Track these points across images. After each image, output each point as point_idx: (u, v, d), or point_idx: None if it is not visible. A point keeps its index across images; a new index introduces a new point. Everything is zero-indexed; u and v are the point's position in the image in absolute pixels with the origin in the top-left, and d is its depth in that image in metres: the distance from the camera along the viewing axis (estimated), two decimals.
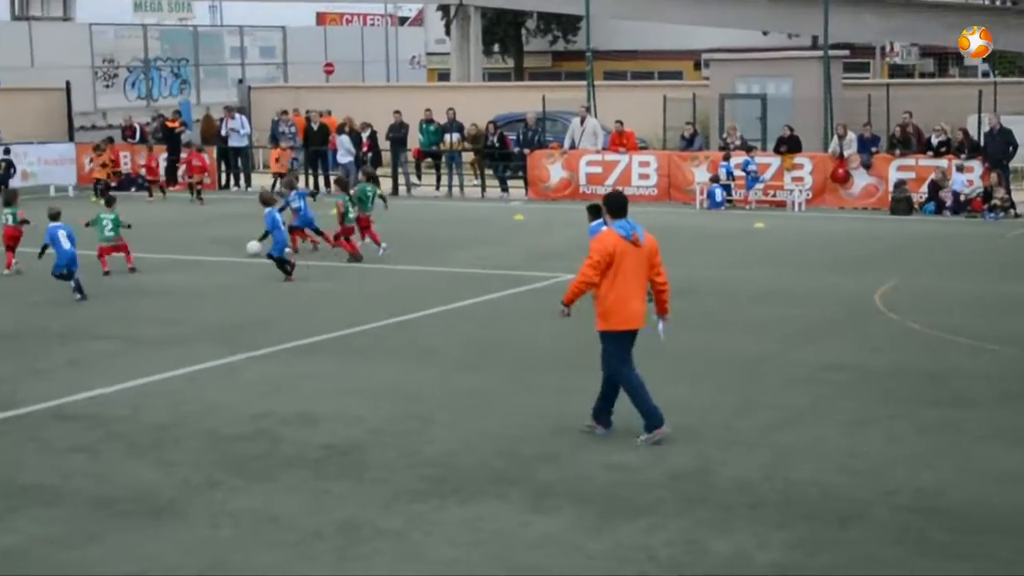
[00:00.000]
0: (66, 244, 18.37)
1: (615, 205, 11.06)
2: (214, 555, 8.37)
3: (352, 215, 21.55)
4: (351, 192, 21.97)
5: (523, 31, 62.13)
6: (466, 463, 10.30)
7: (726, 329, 15.75)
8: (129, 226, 20.70)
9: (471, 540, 8.60)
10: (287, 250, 20.16)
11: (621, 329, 10.80)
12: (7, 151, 32.56)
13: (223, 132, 35.96)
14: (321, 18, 66.10)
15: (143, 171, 34.47)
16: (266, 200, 20.36)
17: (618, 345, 10.86)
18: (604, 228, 11.09)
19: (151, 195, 33.04)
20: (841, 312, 16.79)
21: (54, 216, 18.94)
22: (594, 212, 20.41)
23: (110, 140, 34.82)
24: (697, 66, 53.09)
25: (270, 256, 19.71)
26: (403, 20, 68.16)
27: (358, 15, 68.45)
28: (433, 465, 10.23)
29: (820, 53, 34.37)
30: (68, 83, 39.51)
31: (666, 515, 9.03)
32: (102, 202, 22.21)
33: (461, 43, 56.94)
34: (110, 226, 20.31)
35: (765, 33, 51.77)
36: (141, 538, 8.68)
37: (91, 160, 33.56)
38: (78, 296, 18.05)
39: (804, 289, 18.62)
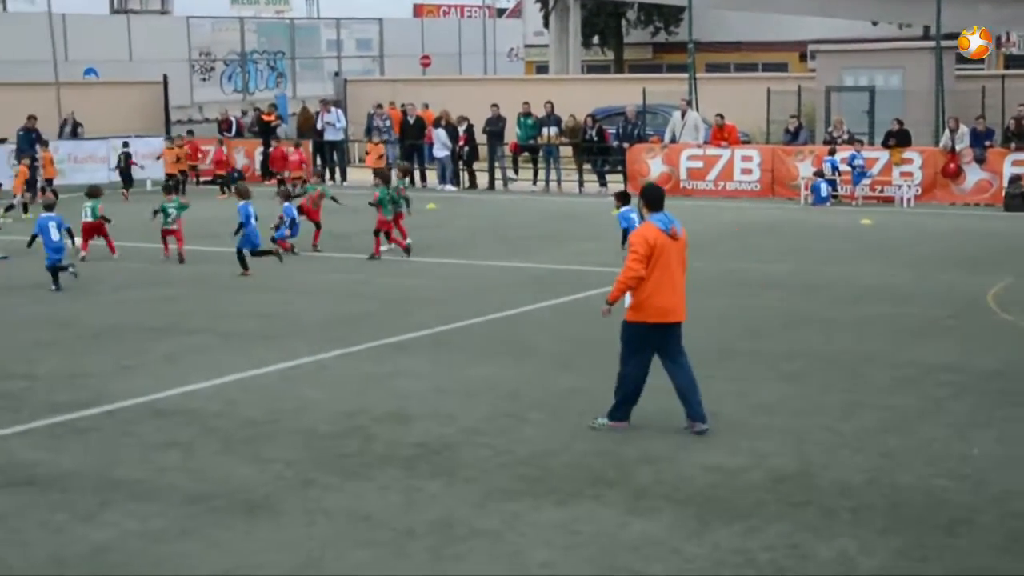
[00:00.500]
0: (55, 235, 18.68)
1: (652, 198, 10.90)
2: (308, 552, 8.31)
3: (389, 208, 21.33)
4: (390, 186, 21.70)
5: (623, 22, 61.78)
6: (562, 463, 10.15)
7: (830, 327, 15.41)
8: (186, 206, 21.32)
9: (567, 542, 8.44)
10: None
11: (653, 321, 10.67)
12: (126, 144, 32.94)
13: (319, 126, 36.19)
14: (418, 10, 66.25)
15: (226, 164, 34.50)
16: (241, 193, 20.40)
17: (644, 337, 10.73)
18: (643, 222, 10.91)
19: (223, 192, 32.76)
20: (951, 311, 16.35)
21: (48, 207, 19.30)
22: (623, 198, 20.28)
23: (190, 133, 34.99)
24: (803, 57, 52.36)
25: (238, 250, 19.69)
26: (501, 12, 68.09)
27: (455, 7, 68.52)
28: (528, 465, 10.08)
29: (932, 44, 33.61)
30: (165, 76, 39.99)
31: (766, 518, 8.82)
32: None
33: (560, 35, 56.80)
34: (174, 213, 20.95)
35: (874, 23, 50.82)
36: (234, 534, 8.66)
37: (159, 156, 33.88)
38: (53, 288, 18.43)
39: (912, 287, 18.19)
